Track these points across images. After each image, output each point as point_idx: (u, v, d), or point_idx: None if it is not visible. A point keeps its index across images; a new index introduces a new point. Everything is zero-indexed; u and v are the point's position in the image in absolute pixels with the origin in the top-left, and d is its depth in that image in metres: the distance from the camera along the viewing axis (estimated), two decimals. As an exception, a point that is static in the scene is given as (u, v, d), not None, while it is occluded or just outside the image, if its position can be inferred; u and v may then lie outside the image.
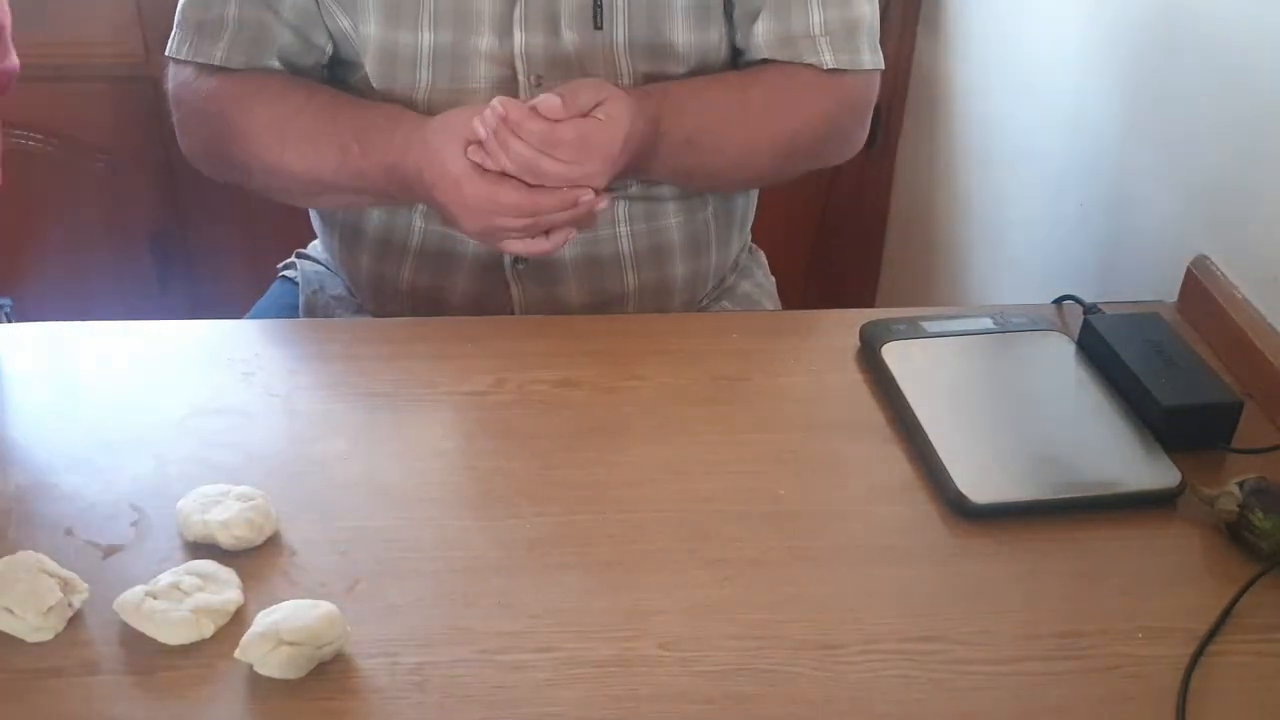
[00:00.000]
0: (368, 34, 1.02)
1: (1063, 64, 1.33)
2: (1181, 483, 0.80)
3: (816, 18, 1.05)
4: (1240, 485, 0.77)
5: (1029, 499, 0.80)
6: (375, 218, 1.10)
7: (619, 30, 1.02)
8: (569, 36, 1.02)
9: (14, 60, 0.93)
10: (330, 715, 0.65)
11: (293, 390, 0.89)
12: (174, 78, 1.07)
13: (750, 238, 1.25)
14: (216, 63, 1.03)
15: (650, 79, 1.04)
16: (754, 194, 1.21)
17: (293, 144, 1.01)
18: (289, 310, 1.21)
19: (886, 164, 1.84)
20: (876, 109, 1.13)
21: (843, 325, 0.97)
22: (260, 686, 0.66)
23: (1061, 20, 1.34)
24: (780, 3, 1.04)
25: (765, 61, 1.07)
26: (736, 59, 1.10)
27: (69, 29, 1.55)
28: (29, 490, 0.79)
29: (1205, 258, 1.01)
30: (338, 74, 1.09)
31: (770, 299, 1.24)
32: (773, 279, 1.27)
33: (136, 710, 0.65)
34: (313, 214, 1.19)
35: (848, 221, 1.89)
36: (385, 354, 0.93)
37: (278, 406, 0.87)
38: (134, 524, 0.76)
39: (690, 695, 0.66)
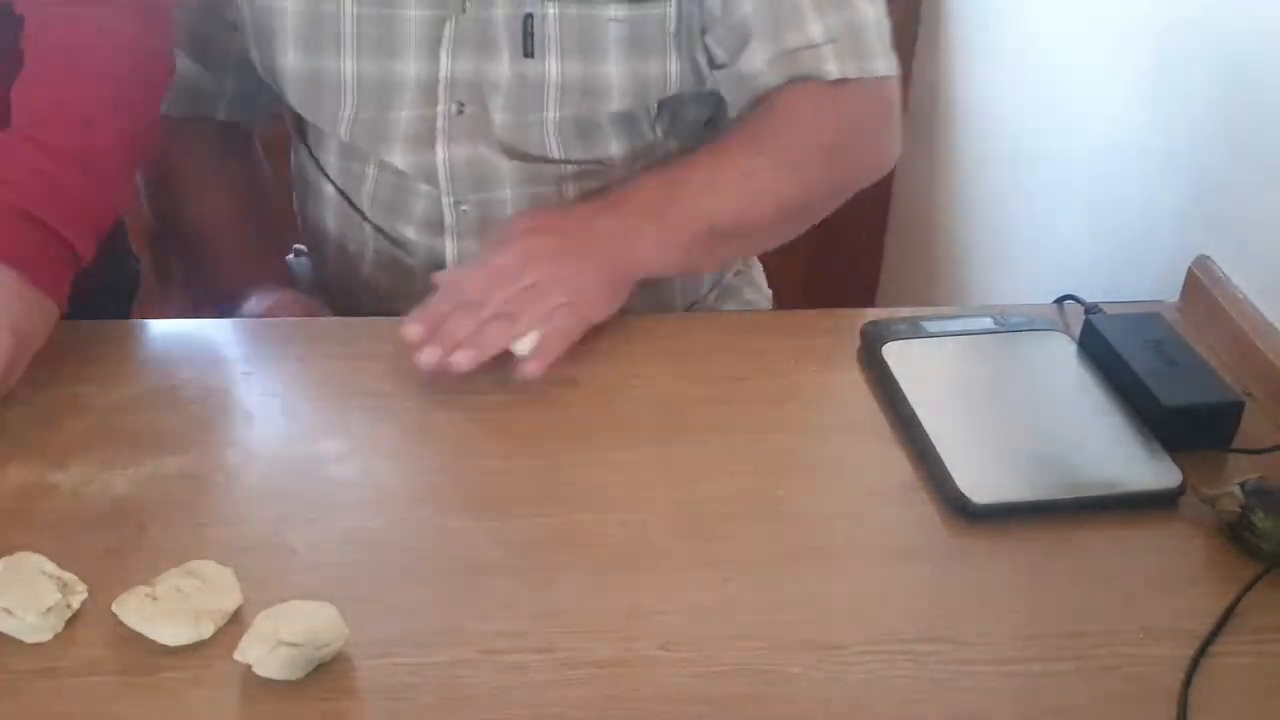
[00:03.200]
0: (284, 65, 1.00)
1: (1063, 64, 1.33)
2: (1182, 483, 0.80)
3: (816, 28, 0.97)
4: (1241, 485, 0.77)
5: (1029, 499, 0.79)
6: (331, 226, 1.12)
7: (550, 61, 0.97)
8: (499, 65, 0.98)
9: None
10: (330, 715, 0.65)
11: (292, 390, 0.89)
12: None
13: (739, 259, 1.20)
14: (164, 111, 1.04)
15: (580, 116, 0.99)
16: None
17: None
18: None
19: (887, 164, 1.84)
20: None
21: (843, 325, 0.97)
22: (260, 687, 0.65)
23: (1062, 21, 1.34)
24: (768, 23, 0.96)
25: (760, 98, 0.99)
26: (700, 90, 1.02)
27: (69, 29, 1.55)
28: (29, 490, 0.79)
29: (1207, 258, 1.01)
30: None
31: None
32: (769, 293, 1.23)
33: (136, 710, 0.65)
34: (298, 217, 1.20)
35: (848, 221, 1.89)
36: (385, 354, 0.93)
37: (277, 406, 0.87)
38: (133, 524, 0.76)
39: (690, 695, 0.66)
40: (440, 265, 1.06)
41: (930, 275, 1.76)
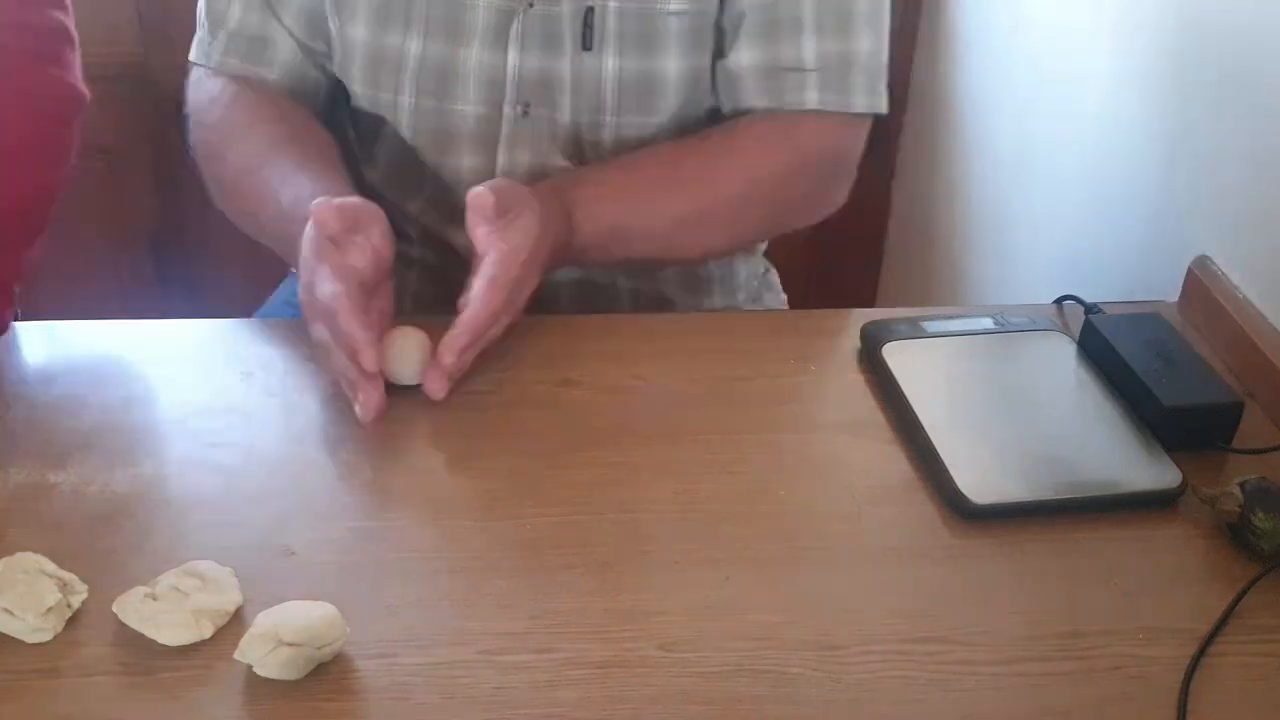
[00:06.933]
0: (355, 36, 0.99)
1: (1063, 64, 1.33)
2: (1182, 483, 0.80)
3: (809, 48, 0.96)
4: (1241, 485, 0.77)
5: (1029, 499, 0.79)
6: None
7: (608, 56, 0.97)
8: (563, 61, 0.98)
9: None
10: (330, 715, 0.65)
11: (293, 390, 0.89)
12: (190, 78, 1.07)
13: (765, 261, 1.23)
14: (212, 65, 1.03)
15: (637, 110, 0.99)
16: None
17: (239, 198, 0.99)
18: (298, 308, 1.21)
19: (886, 164, 1.84)
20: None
21: (843, 325, 0.97)
22: (260, 687, 0.66)
23: (1062, 21, 1.34)
24: (766, 28, 0.96)
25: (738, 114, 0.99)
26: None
27: (68, 29, 1.55)
28: (29, 490, 0.79)
29: (1206, 258, 1.01)
30: (340, 91, 1.07)
31: None
32: (784, 296, 1.25)
33: (136, 710, 0.65)
34: None
35: (848, 221, 1.89)
36: (385, 354, 0.93)
37: (278, 406, 0.87)
38: (134, 525, 0.76)
39: (690, 696, 0.66)
40: None
41: (930, 275, 1.76)
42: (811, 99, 0.98)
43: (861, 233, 1.92)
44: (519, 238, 0.85)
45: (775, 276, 1.26)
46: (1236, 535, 0.77)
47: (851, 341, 0.95)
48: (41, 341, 0.94)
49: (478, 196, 0.84)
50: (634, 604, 0.72)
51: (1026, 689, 0.67)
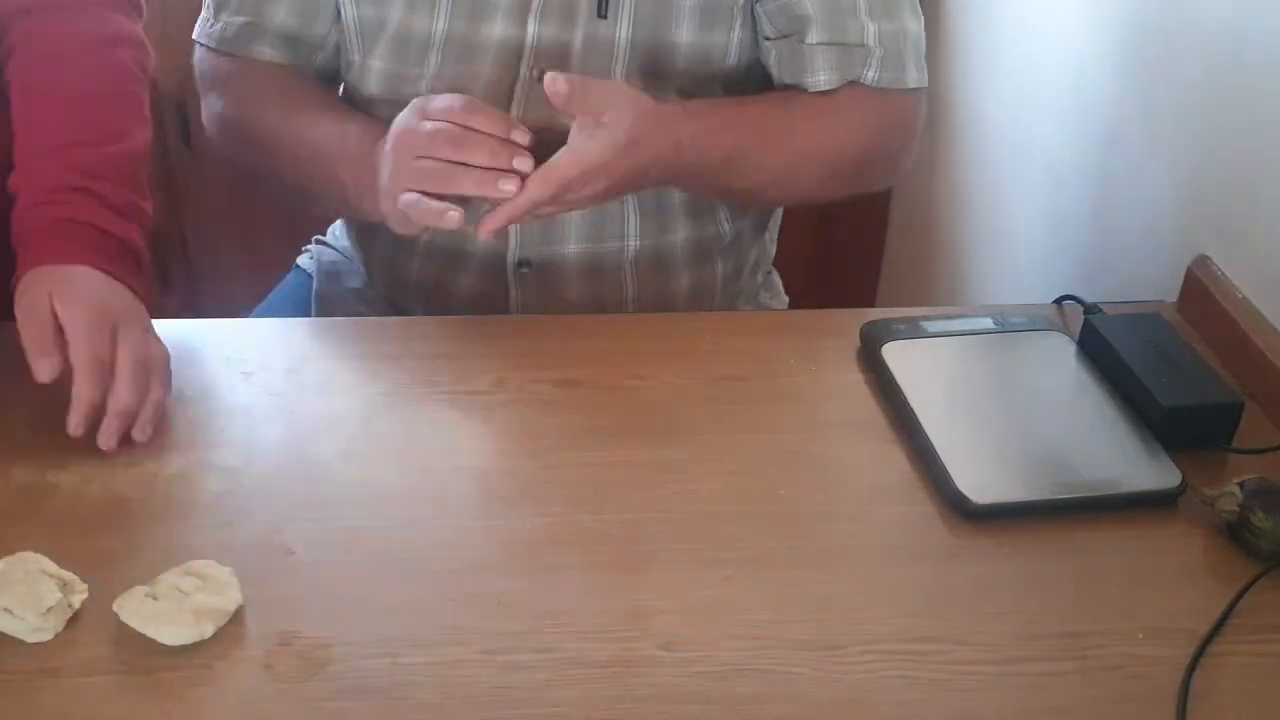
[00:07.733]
0: (382, 17, 1.01)
1: (1063, 64, 1.33)
2: (1182, 483, 0.80)
3: (870, 29, 1.02)
4: (1241, 485, 0.77)
5: (1029, 499, 0.79)
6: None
7: (623, 24, 1.00)
8: (576, 28, 1.00)
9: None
10: (330, 715, 0.65)
11: (293, 390, 0.89)
12: (195, 56, 1.11)
13: (769, 260, 1.23)
14: (212, 45, 1.07)
15: (642, 75, 1.01)
16: (772, 214, 1.19)
17: (276, 160, 1.04)
18: (303, 303, 1.20)
19: (887, 164, 1.84)
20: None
21: (843, 325, 0.97)
22: (260, 687, 0.66)
23: (1062, 20, 1.34)
24: (830, 14, 1.01)
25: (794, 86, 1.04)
26: (749, 65, 1.06)
27: (69, 29, 1.55)
28: (29, 490, 0.79)
29: (1206, 258, 1.01)
30: (340, 69, 1.08)
31: None
32: (786, 299, 1.26)
33: (136, 710, 0.65)
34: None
35: (848, 221, 1.90)
36: (385, 354, 0.93)
37: (278, 406, 0.87)
38: (134, 525, 0.76)
39: (690, 695, 0.66)
40: (499, 250, 1.06)
41: (930, 275, 1.76)
42: (871, 76, 1.03)
43: (861, 233, 1.92)
44: (594, 146, 0.89)
45: (776, 280, 1.26)
46: (1236, 535, 0.77)
47: (851, 341, 0.95)
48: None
49: (553, 82, 0.87)
50: (634, 604, 0.72)
51: (1026, 689, 0.67)
